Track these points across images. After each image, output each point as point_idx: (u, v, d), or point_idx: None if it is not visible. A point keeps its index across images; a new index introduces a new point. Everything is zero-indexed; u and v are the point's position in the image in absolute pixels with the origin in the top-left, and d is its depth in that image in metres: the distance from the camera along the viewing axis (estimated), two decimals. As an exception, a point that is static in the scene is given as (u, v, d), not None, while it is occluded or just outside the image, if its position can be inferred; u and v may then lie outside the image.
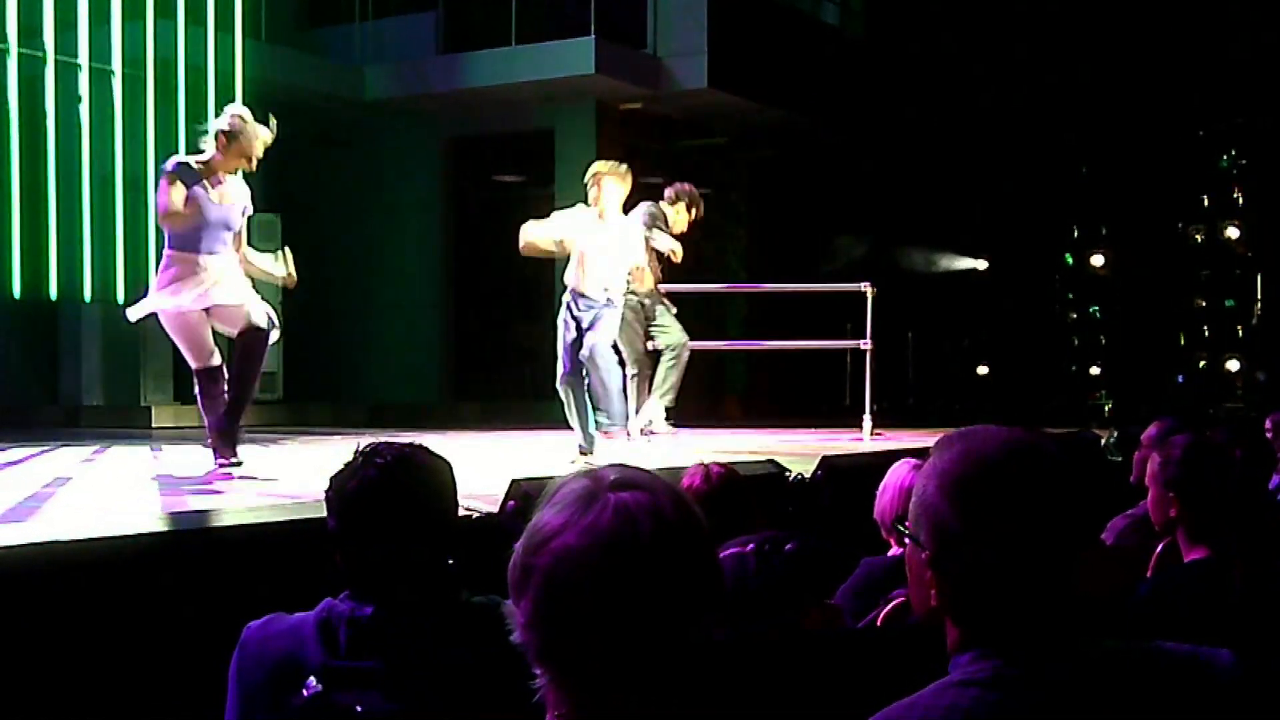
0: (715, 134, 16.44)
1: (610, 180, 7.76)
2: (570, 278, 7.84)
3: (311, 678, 2.33)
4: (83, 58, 11.89)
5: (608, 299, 7.78)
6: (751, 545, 3.11)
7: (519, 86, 14.26)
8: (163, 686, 3.52)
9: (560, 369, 7.84)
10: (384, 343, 15.44)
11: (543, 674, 1.50)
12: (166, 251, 6.39)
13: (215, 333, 6.55)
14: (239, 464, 6.36)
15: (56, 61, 11.76)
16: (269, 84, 13.21)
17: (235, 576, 3.85)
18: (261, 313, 6.46)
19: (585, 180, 7.87)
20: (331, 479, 2.61)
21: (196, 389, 6.56)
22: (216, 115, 6.54)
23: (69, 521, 4.46)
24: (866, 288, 10.10)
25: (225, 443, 6.40)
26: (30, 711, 3.34)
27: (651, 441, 8.71)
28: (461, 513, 4.33)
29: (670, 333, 9.09)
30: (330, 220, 15.33)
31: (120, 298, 11.72)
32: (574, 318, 7.77)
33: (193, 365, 6.55)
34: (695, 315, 9.80)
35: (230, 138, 6.33)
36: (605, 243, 7.77)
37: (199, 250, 6.30)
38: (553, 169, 14.45)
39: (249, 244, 6.78)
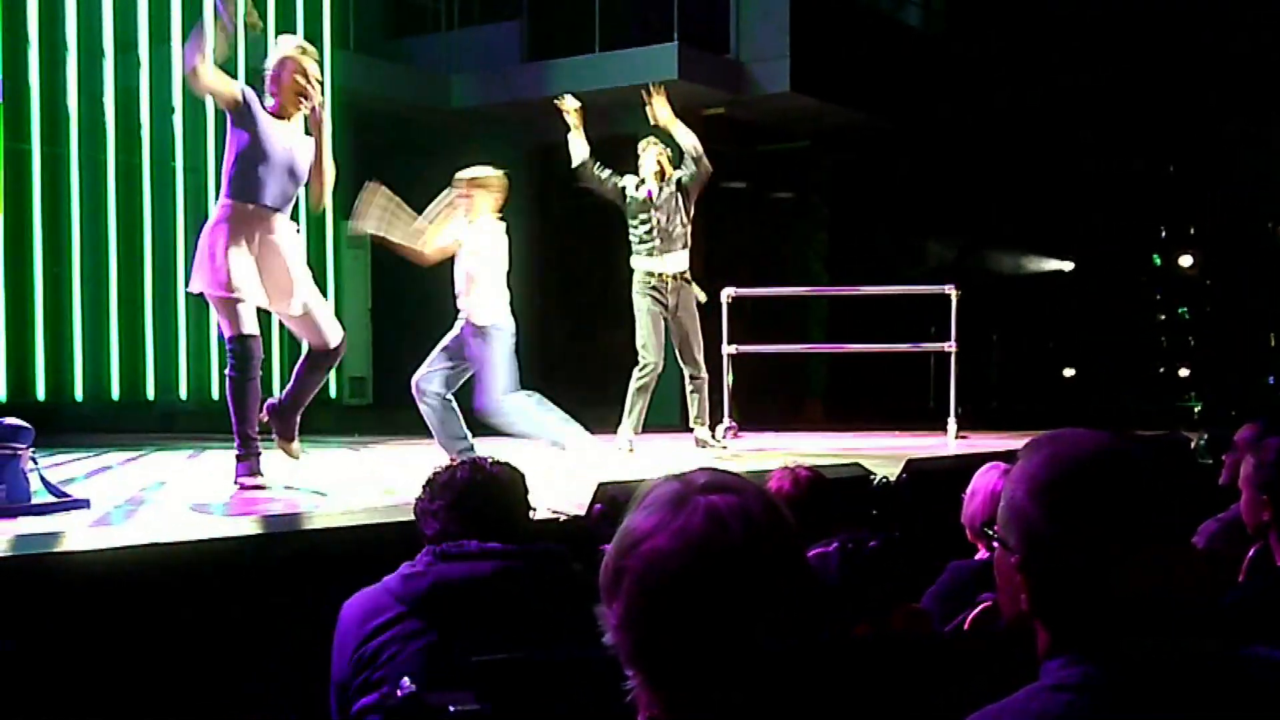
0: (797, 138, 16.41)
1: (481, 193, 7.45)
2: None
3: (405, 678, 2.38)
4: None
5: (484, 326, 7.20)
6: (835, 544, 3.11)
7: (603, 93, 14.30)
8: (253, 687, 3.58)
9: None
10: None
11: (634, 675, 1.52)
12: (223, 201, 5.78)
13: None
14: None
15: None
16: (356, 93, 13.37)
17: (326, 579, 3.90)
18: (336, 328, 6.15)
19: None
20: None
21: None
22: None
23: (164, 524, 4.55)
24: (950, 290, 10.02)
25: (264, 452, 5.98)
26: (120, 709, 3.42)
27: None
28: (549, 516, 4.41)
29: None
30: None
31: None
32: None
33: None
34: (777, 318, 9.75)
35: (270, 75, 5.95)
36: (487, 254, 7.26)
37: (260, 201, 5.77)
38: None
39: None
